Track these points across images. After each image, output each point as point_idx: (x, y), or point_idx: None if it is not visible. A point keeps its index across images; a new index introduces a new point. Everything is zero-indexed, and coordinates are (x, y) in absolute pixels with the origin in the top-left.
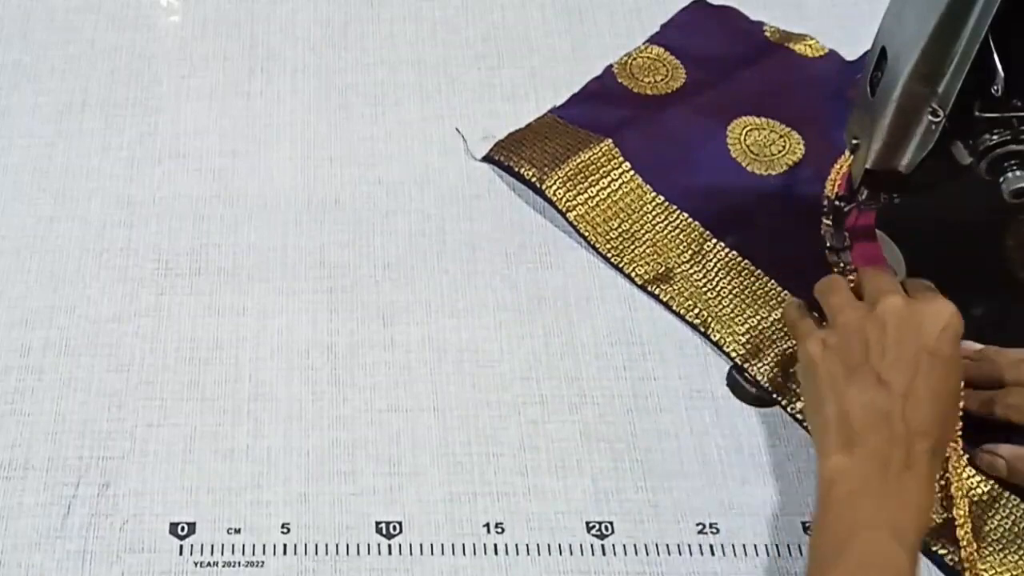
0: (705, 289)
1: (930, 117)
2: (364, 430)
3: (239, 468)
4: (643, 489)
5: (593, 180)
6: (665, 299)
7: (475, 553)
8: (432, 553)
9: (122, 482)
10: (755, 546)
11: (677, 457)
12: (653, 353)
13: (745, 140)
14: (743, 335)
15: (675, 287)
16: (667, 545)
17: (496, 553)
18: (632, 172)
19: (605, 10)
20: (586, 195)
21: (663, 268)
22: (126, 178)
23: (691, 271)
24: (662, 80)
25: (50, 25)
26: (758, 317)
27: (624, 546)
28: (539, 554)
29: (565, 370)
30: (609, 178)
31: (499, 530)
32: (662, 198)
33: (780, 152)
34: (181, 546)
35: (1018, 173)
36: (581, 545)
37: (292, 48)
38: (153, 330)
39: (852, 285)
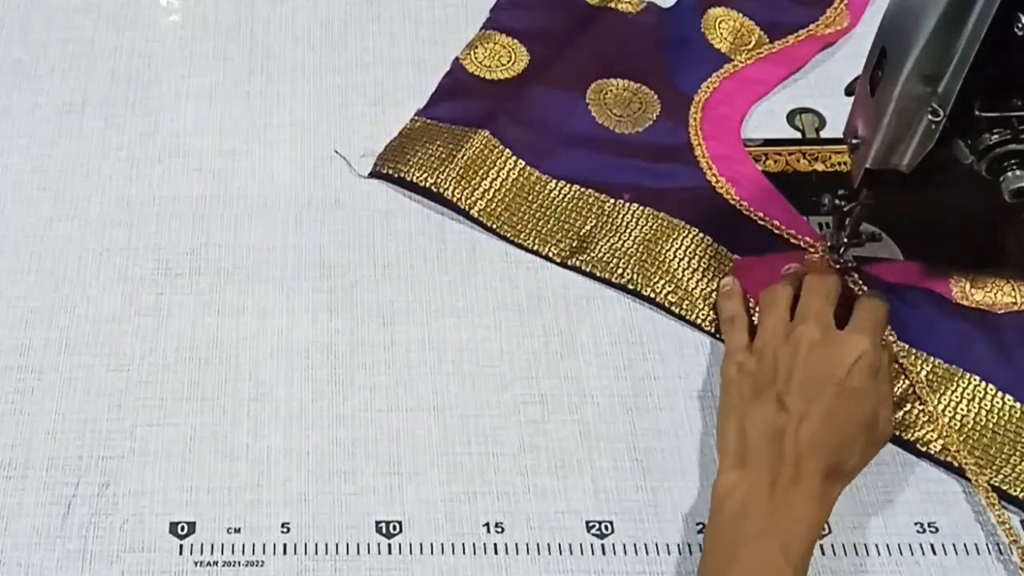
0: (619, 246)
1: (930, 117)
2: (364, 430)
3: (239, 468)
4: (643, 489)
5: (483, 173)
6: (588, 269)
7: (475, 553)
8: (432, 553)
9: (122, 482)
10: None
11: (677, 457)
12: (653, 353)
13: (605, 102)
14: (667, 278)
15: (592, 255)
16: (667, 545)
17: (496, 553)
18: (515, 158)
19: None
20: (480, 189)
21: (576, 241)
22: (126, 178)
23: (601, 234)
24: (509, 63)
25: (50, 25)
26: (671, 252)
27: (624, 546)
28: (539, 554)
29: (565, 370)
30: (496, 168)
31: (499, 530)
32: (548, 176)
33: (640, 109)
34: (181, 546)
35: (1018, 173)
36: (581, 545)
37: (292, 48)
38: (153, 330)
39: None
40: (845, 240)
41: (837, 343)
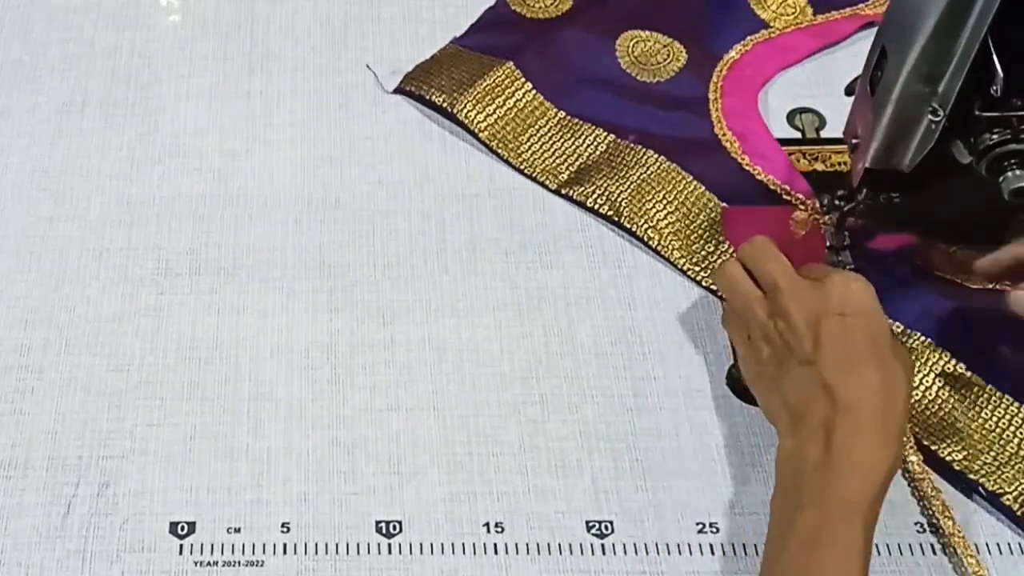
0: (615, 182)
1: (930, 116)
2: (364, 430)
3: (239, 468)
4: (643, 489)
5: (499, 101)
6: (579, 199)
7: (475, 553)
8: (432, 553)
9: (122, 482)
10: (755, 545)
11: (677, 456)
12: (653, 353)
13: (633, 52)
14: (651, 211)
15: (587, 187)
16: (667, 545)
17: (496, 553)
18: (534, 91)
19: None
20: (495, 115)
21: (573, 173)
22: (126, 178)
23: (600, 170)
24: (552, 4)
25: (50, 25)
26: (662, 193)
27: (624, 546)
28: (539, 554)
29: (565, 370)
30: (514, 98)
31: (499, 530)
32: (563, 113)
33: (665, 61)
34: (181, 545)
35: (1018, 172)
36: (581, 545)
37: (292, 48)
38: (153, 330)
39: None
40: (845, 241)
41: (820, 287)
